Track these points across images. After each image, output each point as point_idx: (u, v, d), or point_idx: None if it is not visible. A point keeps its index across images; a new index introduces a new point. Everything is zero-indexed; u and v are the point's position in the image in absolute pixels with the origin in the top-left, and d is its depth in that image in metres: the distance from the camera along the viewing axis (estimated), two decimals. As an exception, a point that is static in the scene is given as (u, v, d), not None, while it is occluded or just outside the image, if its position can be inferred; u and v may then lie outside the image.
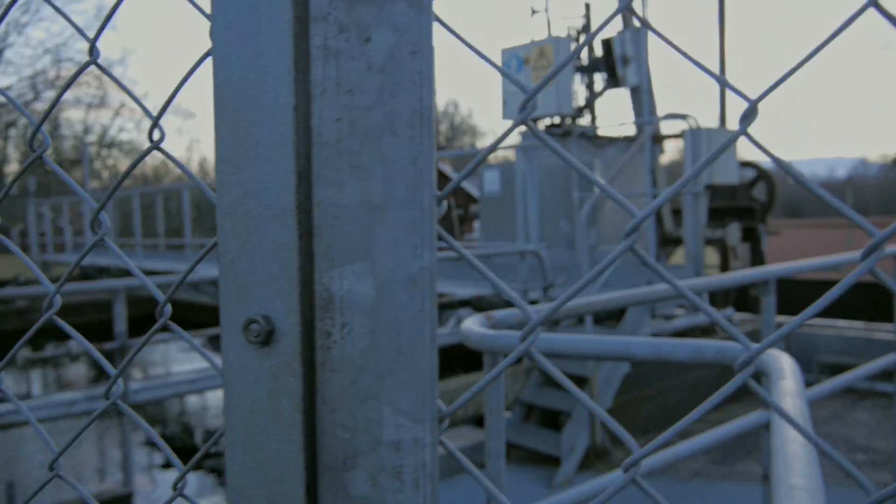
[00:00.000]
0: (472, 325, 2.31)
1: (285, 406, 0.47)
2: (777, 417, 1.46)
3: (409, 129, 0.43)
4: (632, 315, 6.43)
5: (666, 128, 9.02)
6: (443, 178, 24.30)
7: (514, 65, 8.73)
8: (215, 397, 11.75)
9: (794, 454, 1.18)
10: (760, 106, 0.48)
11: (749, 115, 0.49)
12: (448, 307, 6.97)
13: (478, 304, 6.90)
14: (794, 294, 11.55)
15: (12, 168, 41.97)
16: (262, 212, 0.47)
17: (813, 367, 7.90)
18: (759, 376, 1.91)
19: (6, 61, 32.63)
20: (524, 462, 6.05)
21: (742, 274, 3.56)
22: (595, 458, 5.93)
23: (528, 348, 0.56)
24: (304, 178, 0.47)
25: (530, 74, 8.63)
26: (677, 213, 8.75)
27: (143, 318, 19.56)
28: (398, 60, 0.43)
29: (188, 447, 9.53)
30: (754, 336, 7.44)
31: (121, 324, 4.34)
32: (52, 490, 8.06)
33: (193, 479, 8.05)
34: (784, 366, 1.75)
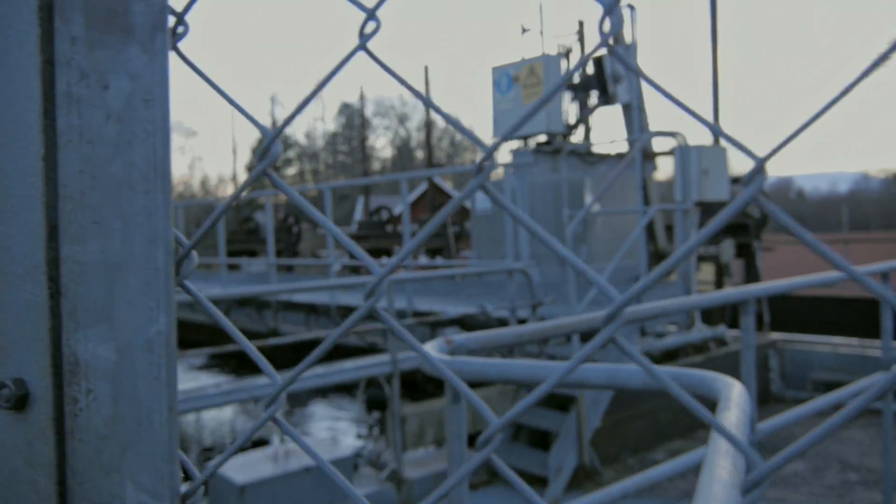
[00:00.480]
0: (430, 349, 2.27)
1: (41, 476, 0.44)
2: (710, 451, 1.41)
3: (144, 182, 0.40)
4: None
5: (657, 145, 9.01)
6: (443, 196, 24.28)
7: (504, 83, 8.73)
8: (189, 418, 11.70)
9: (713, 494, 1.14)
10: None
11: (756, 175, 0.45)
12: (436, 326, 6.93)
13: (466, 323, 6.86)
14: (792, 310, 11.50)
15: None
16: (14, 268, 0.44)
17: (807, 385, 7.83)
18: (712, 405, 1.87)
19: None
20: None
21: (718, 294, 3.53)
22: (584, 478, 5.87)
23: (372, 305, 0.53)
24: (53, 233, 0.44)
25: (521, 92, 8.63)
26: (670, 230, 8.72)
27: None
28: (133, 109, 0.40)
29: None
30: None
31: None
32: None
33: None
34: (733, 395, 1.71)
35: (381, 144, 52.45)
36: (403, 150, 51.92)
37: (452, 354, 2.36)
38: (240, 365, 15.60)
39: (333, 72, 0.54)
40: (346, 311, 9.45)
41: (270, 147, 0.52)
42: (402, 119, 54.58)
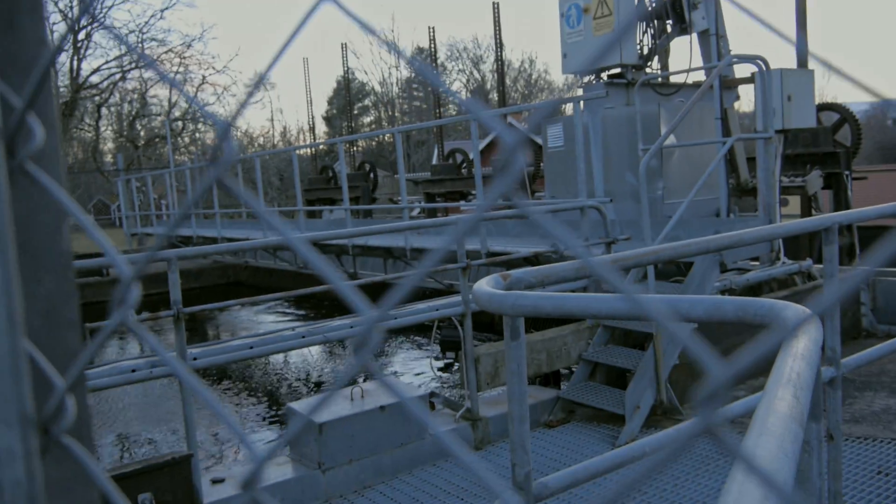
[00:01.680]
0: (485, 285, 2.23)
1: None
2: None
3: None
4: (698, 269, 6.20)
5: (738, 72, 8.59)
6: (518, 137, 23.89)
7: (573, 14, 8.44)
8: (276, 359, 12.07)
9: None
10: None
11: None
12: (509, 266, 6.87)
13: (539, 262, 6.78)
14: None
15: (109, 146, 43.65)
16: None
17: (900, 319, 7.48)
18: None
19: (94, 45, 33.76)
20: (589, 421, 5.96)
21: (797, 223, 3.35)
22: (662, 416, 5.79)
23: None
24: None
25: (591, 24, 8.33)
26: (753, 162, 8.36)
27: (228, 285, 20.17)
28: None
29: (254, 410, 9.81)
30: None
31: (175, 292, 4.43)
32: (117, 451, 8.42)
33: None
34: (803, 324, 1.61)
35: (456, 88, 51.93)
36: (479, 93, 51.30)
37: (509, 290, 2.31)
38: (317, 308, 15.99)
39: (297, 29, 0.49)
40: (419, 253, 9.49)
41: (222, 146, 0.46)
42: (476, 62, 53.82)
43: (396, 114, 52.72)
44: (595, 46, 8.26)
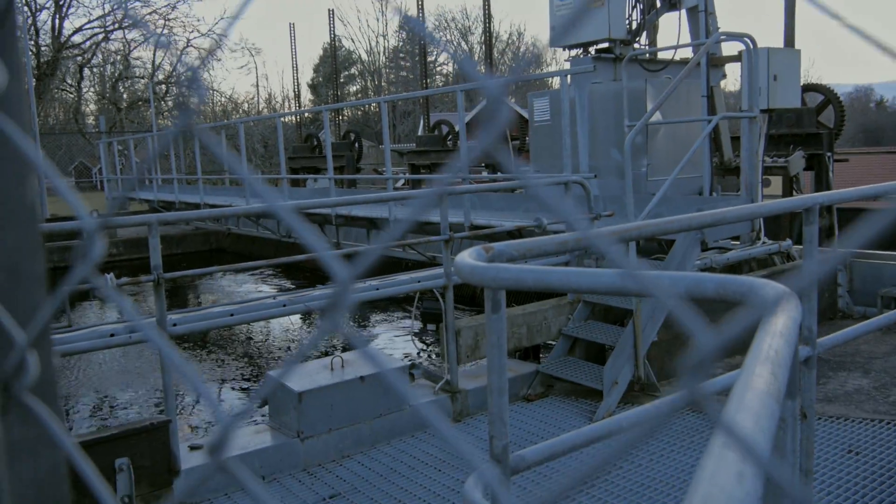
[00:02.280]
0: (467, 257, 2.22)
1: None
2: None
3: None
4: (680, 246, 6.22)
5: (725, 50, 8.57)
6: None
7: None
8: (258, 327, 12.07)
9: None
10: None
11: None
12: (492, 239, 6.86)
13: (522, 237, 6.77)
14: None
15: (91, 108, 43.04)
16: None
17: (877, 301, 7.56)
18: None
19: (77, 3, 33.15)
20: (567, 395, 6.00)
21: (778, 203, 3.36)
22: (639, 392, 5.85)
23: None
24: None
25: (582, -3, 8.21)
26: (736, 140, 8.37)
27: (210, 252, 20.09)
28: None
29: (231, 376, 9.81)
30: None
31: (156, 257, 4.39)
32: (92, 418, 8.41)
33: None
34: (783, 302, 1.61)
35: (444, 59, 51.51)
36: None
37: (491, 262, 2.30)
38: (299, 276, 15.95)
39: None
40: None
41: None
42: (464, 33, 53.41)
43: (383, 83, 52.32)
44: (584, 19, 8.18)
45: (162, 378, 4.54)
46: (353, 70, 53.54)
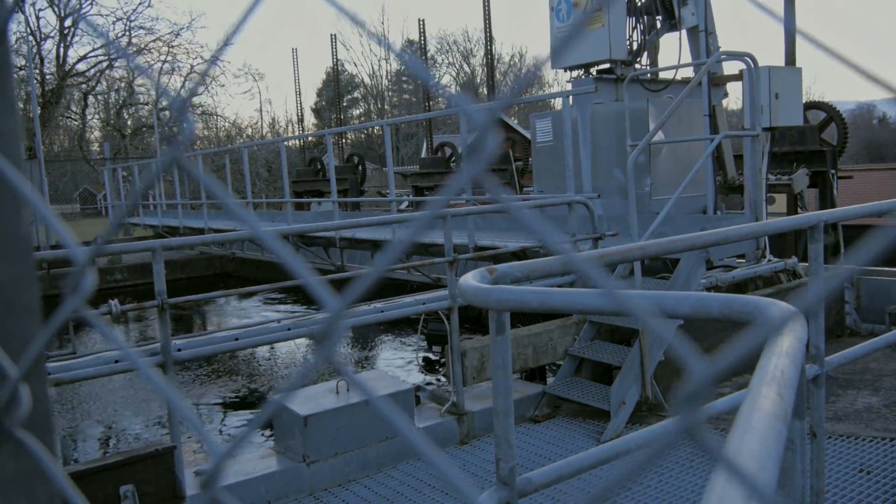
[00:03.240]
0: (471, 279, 2.21)
1: None
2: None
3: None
4: (685, 265, 6.21)
5: (727, 70, 8.60)
6: (508, 130, 24.00)
7: (563, 8, 8.42)
8: (263, 351, 12.04)
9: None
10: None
11: None
12: (496, 261, 6.86)
13: (526, 257, 6.77)
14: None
15: (96, 135, 43.32)
16: None
17: (885, 318, 7.52)
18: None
19: (81, 32, 33.44)
20: (574, 416, 5.96)
21: (782, 221, 3.35)
22: (647, 412, 5.80)
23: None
24: None
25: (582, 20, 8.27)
26: (740, 159, 8.38)
27: (215, 276, 20.10)
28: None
29: (234, 402, 9.78)
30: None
31: (160, 282, 4.39)
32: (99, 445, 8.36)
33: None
34: (788, 321, 1.60)
35: (446, 82, 51.80)
36: (468, 87, 51.21)
37: (495, 284, 2.29)
38: (304, 300, 15.95)
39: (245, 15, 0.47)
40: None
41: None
42: (466, 55, 53.73)
43: (386, 106, 52.58)
44: (584, 41, 8.25)
45: (167, 403, 4.52)
46: (356, 94, 53.86)
